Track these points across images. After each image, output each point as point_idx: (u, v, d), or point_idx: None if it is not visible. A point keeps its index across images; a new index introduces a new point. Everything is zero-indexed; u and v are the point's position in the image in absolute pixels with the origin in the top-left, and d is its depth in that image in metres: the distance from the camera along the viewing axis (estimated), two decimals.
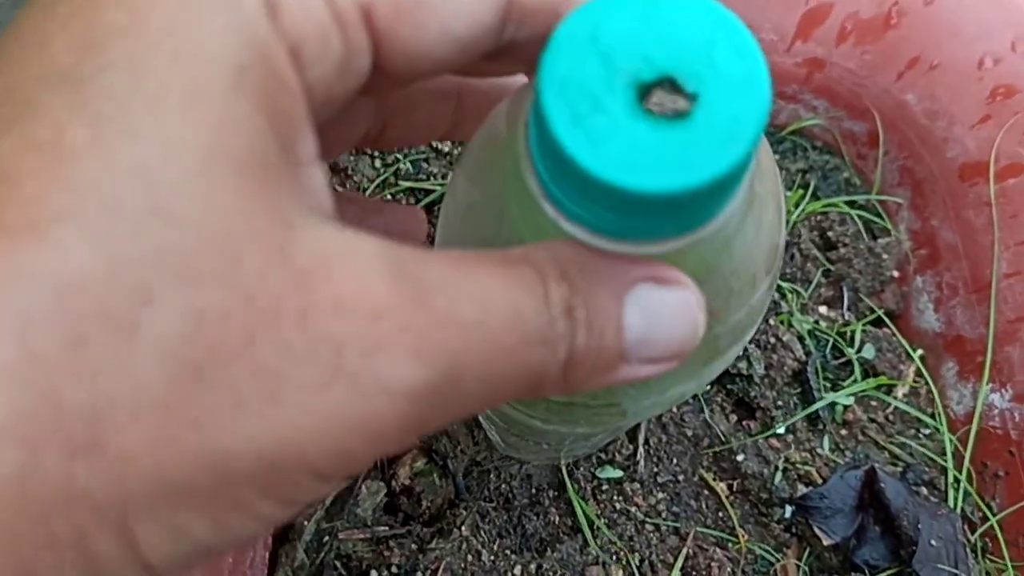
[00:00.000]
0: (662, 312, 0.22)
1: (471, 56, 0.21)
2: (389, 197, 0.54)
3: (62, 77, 0.17)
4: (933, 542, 0.47)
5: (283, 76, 0.19)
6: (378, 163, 0.54)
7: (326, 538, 0.41)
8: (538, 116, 0.19)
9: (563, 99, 0.19)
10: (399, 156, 0.55)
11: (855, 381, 0.54)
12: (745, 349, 0.52)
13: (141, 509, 0.16)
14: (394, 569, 0.41)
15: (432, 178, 0.55)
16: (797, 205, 0.59)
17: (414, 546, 0.42)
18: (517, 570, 0.44)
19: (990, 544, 0.50)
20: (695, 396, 0.52)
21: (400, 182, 0.54)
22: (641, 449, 0.51)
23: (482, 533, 0.44)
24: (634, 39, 0.19)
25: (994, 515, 0.50)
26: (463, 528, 0.43)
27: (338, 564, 0.40)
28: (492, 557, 0.43)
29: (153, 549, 0.17)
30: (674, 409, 0.52)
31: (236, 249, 0.17)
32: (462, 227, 0.28)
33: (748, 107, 0.19)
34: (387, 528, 0.42)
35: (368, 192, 0.53)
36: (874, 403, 0.54)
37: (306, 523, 0.41)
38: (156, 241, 0.16)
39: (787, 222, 0.59)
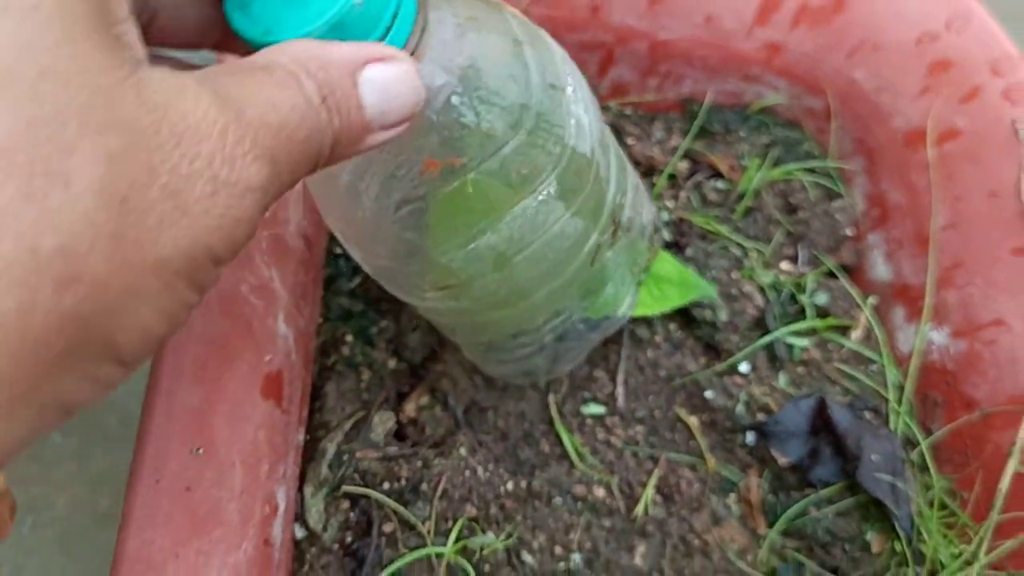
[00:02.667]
0: (391, 85, 0.27)
1: None
2: None
3: None
4: (874, 457, 0.54)
5: None
6: None
7: (345, 457, 0.49)
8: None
9: None
10: None
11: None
12: (711, 301, 0.60)
13: (117, 319, 0.20)
14: (403, 482, 0.48)
15: None
16: (759, 172, 0.67)
17: (419, 463, 0.49)
18: (510, 485, 0.51)
19: (931, 463, 0.57)
20: (668, 340, 0.60)
21: None
22: (620, 388, 0.58)
23: (479, 455, 0.51)
24: None
25: (931, 436, 0.57)
26: (462, 450, 0.51)
27: (356, 476, 0.48)
28: (487, 474, 0.51)
29: (129, 348, 0.21)
30: (649, 354, 0.59)
31: (114, 100, 0.20)
32: None
33: None
34: (396, 449, 0.50)
35: None
36: (831, 345, 0.62)
37: (328, 445, 0.48)
38: (56, 100, 0.19)
39: (751, 188, 0.66)
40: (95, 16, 0.21)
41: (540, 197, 0.35)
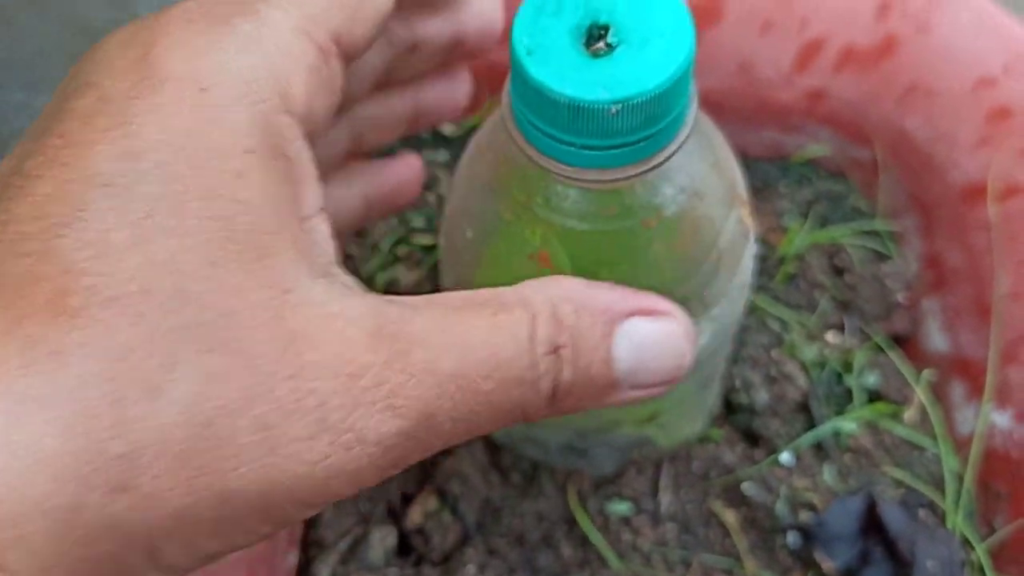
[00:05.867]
0: (650, 344, 0.24)
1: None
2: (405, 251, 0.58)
3: (106, 183, 0.20)
4: (930, 563, 0.49)
5: (288, 147, 0.23)
6: (393, 220, 0.58)
7: None
8: (512, 59, 0.25)
9: (525, 39, 0.25)
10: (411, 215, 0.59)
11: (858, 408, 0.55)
12: (746, 380, 0.55)
13: (164, 535, 0.20)
14: None
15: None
16: (801, 234, 0.61)
17: None
18: None
19: (992, 563, 0.51)
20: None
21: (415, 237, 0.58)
22: (650, 484, 0.54)
23: (490, 570, 0.47)
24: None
25: (992, 534, 0.52)
26: (470, 566, 0.46)
27: None
28: None
29: (173, 560, 0.21)
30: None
31: (239, 322, 0.20)
32: (460, 223, 0.35)
33: (670, 49, 0.24)
34: (397, 569, 0.46)
35: (385, 249, 0.57)
36: (881, 427, 0.56)
37: (322, 568, 0.45)
38: (181, 318, 0.20)
39: (792, 253, 0.61)
40: (266, 230, 0.21)
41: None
